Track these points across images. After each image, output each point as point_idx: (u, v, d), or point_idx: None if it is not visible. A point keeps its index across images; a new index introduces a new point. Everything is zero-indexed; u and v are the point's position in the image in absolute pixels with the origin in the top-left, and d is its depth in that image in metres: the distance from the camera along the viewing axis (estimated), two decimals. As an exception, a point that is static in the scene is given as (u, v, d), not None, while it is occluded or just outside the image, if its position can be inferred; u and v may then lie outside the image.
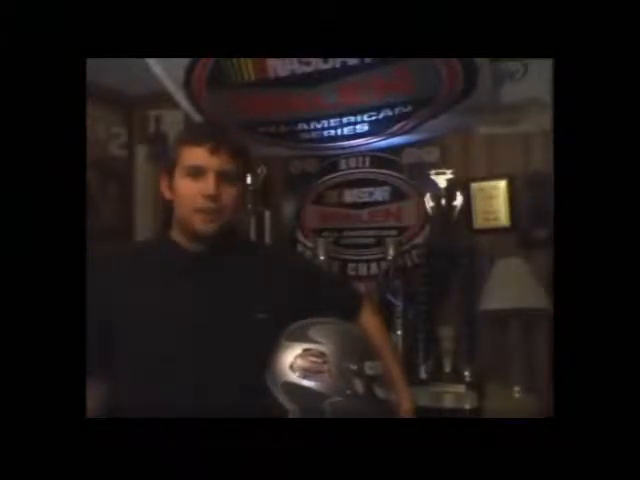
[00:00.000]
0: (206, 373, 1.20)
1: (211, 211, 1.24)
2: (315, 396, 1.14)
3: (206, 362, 1.21)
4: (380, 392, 1.19)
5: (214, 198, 1.23)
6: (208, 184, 1.22)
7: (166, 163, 1.30)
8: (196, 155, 1.24)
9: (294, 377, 1.16)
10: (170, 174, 1.28)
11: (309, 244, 2.76)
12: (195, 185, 1.24)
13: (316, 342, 1.18)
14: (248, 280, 1.31)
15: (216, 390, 1.19)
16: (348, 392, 1.15)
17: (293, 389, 1.15)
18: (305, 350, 1.17)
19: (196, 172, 1.24)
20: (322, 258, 2.59)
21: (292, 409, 1.15)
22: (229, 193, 1.25)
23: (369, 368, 1.18)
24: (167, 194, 1.30)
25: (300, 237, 2.82)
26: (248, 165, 1.34)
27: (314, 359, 1.16)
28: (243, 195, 1.32)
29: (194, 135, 1.29)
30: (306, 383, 1.15)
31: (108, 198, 2.91)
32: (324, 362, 1.16)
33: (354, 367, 1.17)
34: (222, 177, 1.24)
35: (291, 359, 1.17)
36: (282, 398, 1.16)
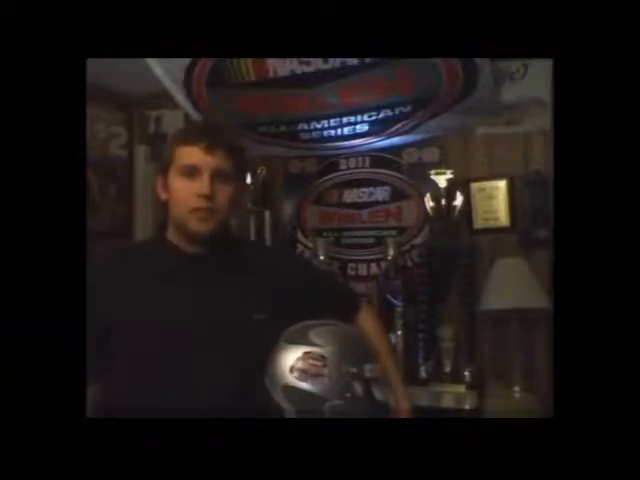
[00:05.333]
0: (204, 374, 1.20)
1: (206, 211, 1.23)
2: (315, 399, 1.14)
3: (204, 363, 1.21)
4: (379, 394, 1.19)
5: (209, 198, 1.22)
6: (203, 184, 1.22)
7: (161, 162, 1.29)
8: (191, 154, 1.23)
9: (294, 380, 1.15)
10: (165, 174, 1.27)
11: (309, 244, 2.76)
12: (190, 185, 1.23)
13: (316, 345, 1.18)
14: (245, 280, 1.30)
15: (214, 391, 1.18)
16: (347, 395, 1.15)
17: (293, 392, 1.15)
18: (305, 353, 1.17)
19: (191, 171, 1.23)
20: (322, 258, 2.60)
21: (288, 410, 1.14)
22: (224, 192, 1.24)
23: (368, 371, 1.18)
24: (162, 194, 1.30)
25: (300, 237, 2.83)
26: (244, 164, 1.33)
27: (314, 362, 1.16)
28: (239, 194, 1.31)
29: (189, 134, 1.28)
30: (306, 386, 1.15)
31: (108, 198, 2.91)
32: (324, 365, 1.15)
33: (353, 370, 1.16)
34: (217, 176, 1.23)
35: (291, 362, 1.16)
36: (281, 400, 1.15)
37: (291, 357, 1.17)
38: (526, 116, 2.41)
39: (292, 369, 1.16)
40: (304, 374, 1.15)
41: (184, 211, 1.24)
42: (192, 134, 1.27)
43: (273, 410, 1.16)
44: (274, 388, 1.16)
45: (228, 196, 1.26)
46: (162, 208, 1.33)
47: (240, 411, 1.13)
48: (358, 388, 1.16)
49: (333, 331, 1.23)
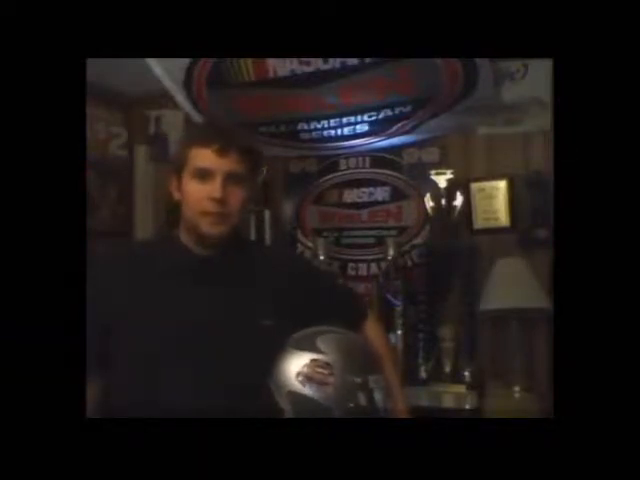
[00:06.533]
0: (206, 376, 1.19)
1: (218, 214, 1.23)
2: (319, 407, 1.14)
3: (207, 365, 1.20)
4: (380, 401, 1.19)
5: (221, 201, 1.21)
6: (215, 187, 1.21)
7: (174, 164, 1.29)
8: (203, 157, 1.22)
9: (300, 387, 1.15)
10: (178, 175, 1.26)
11: (309, 244, 2.76)
12: (202, 187, 1.22)
13: (323, 352, 1.17)
14: (253, 284, 1.30)
15: (218, 393, 1.18)
16: (351, 405, 1.15)
17: (298, 399, 1.15)
18: (312, 360, 1.16)
19: (203, 174, 1.22)
20: (322, 258, 2.59)
21: (288, 411, 1.14)
22: (237, 196, 1.24)
23: (373, 382, 1.18)
24: (176, 194, 1.29)
25: (300, 237, 2.82)
26: (257, 166, 1.32)
27: (321, 370, 1.15)
28: (250, 197, 1.30)
29: (202, 136, 1.27)
30: (311, 393, 1.14)
31: (108, 198, 2.91)
32: (330, 374, 1.15)
33: (358, 380, 1.16)
34: (230, 179, 1.22)
35: (298, 368, 1.16)
36: (286, 405, 1.15)
37: (298, 363, 1.17)
38: (526, 116, 2.41)
39: (298, 375, 1.15)
40: (310, 381, 1.15)
41: (195, 214, 1.24)
42: (205, 136, 1.26)
43: (276, 414, 1.16)
44: (279, 393, 1.16)
45: (240, 199, 1.25)
46: (174, 207, 1.33)
47: (241, 412, 1.13)
48: (362, 398, 1.16)
49: (340, 339, 1.23)
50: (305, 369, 1.16)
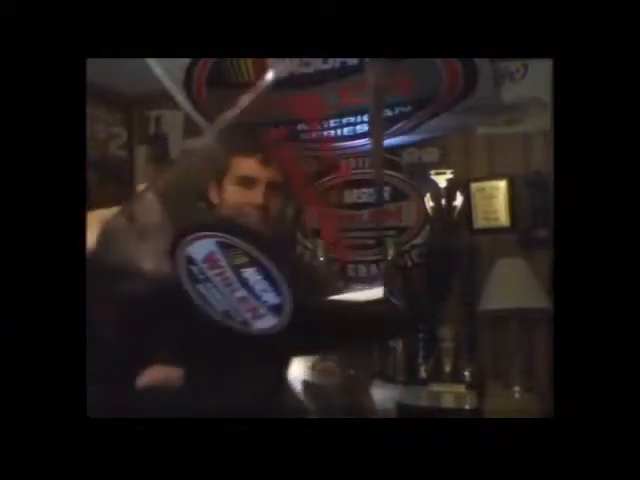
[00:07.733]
0: (219, 375, 1.20)
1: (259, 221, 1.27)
2: (329, 394, 1.21)
3: (220, 361, 1.21)
4: (365, 395, 1.27)
5: (262, 208, 1.27)
6: (258, 195, 1.27)
7: (215, 170, 1.33)
8: (247, 166, 1.28)
9: (314, 377, 1.21)
10: (219, 181, 1.31)
11: (309, 245, 2.76)
12: (245, 194, 1.28)
13: (331, 350, 1.25)
14: None
15: (230, 391, 1.18)
16: (350, 393, 1.22)
17: (313, 388, 1.21)
18: (323, 356, 1.23)
19: (247, 182, 1.28)
20: (322, 259, 2.59)
21: (308, 404, 1.20)
22: (277, 204, 1.30)
23: (361, 375, 1.27)
24: (215, 199, 1.33)
25: (300, 238, 2.82)
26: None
27: (331, 363, 1.22)
28: (287, 204, 1.37)
29: (246, 145, 1.32)
30: (323, 383, 1.21)
31: (108, 198, 2.91)
32: (337, 366, 1.22)
33: (352, 373, 1.23)
34: (270, 187, 1.28)
35: (312, 362, 1.23)
36: (303, 396, 1.21)
37: (312, 359, 1.23)
38: (526, 116, 2.41)
39: (313, 368, 1.22)
40: (324, 372, 1.21)
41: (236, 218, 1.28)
42: (249, 145, 1.32)
43: (293, 407, 1.20)
44: (297, 385, 1.21)
45: (279, 206, 1.31)
46: (210, 211, 1.37)
47: (259, 409, 1.14)
48: (356, 389, 1.23)
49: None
50: (319, 363, 1.23)
